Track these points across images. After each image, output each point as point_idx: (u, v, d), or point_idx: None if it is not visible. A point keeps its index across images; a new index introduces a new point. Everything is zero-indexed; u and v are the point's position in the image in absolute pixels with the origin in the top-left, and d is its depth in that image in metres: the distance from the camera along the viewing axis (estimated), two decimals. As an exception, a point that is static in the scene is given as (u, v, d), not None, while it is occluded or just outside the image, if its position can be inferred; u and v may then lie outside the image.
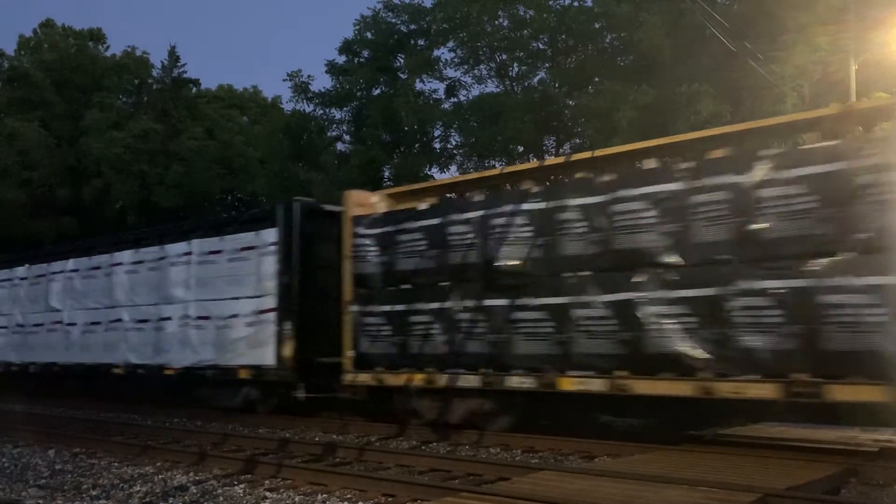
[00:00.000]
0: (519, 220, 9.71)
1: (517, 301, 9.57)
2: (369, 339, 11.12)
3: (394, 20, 28.46)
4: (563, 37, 24.72)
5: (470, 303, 10.02)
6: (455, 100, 27.40)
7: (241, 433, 11.31)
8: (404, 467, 8.37)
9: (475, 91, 26.96)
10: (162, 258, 14.65)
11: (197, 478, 7.92)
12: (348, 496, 6.98)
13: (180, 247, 14.33)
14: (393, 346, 10.83)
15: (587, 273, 9.04)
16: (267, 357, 12.46)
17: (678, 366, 8.25)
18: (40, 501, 7.23)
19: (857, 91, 16.63)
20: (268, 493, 7.13)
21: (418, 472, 8.05)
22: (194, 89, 37.09)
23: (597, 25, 23.96)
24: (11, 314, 18.59)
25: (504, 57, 26.04)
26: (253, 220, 13.68)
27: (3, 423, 12.42)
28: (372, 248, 11.22)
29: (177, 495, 7.25)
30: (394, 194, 12.12)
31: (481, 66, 26.64)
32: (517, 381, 9.50)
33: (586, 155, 10.74)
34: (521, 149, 25.11)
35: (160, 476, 8.11)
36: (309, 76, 29.75)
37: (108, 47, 38.35)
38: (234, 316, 13.04)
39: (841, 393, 7.33)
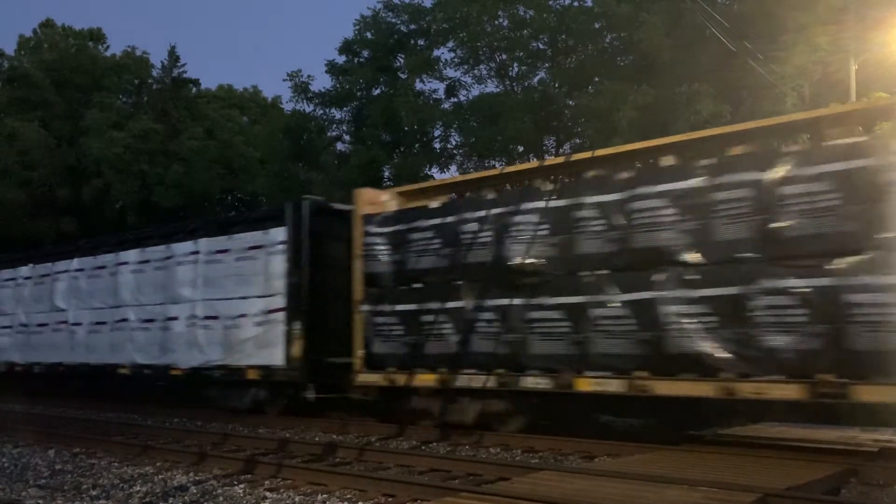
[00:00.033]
0: (535, 217, 9.56)
1: (533, 300, 9.42)
2: (380, 339, 11.01)
3: (394, 20, 28.43)
4: (563, 37, 24.69)
5: (484, 302, 9.85)
6: (455, 100, 27.41)
7: (241, 433, 11.31)
8: (404, 467, 8.36)
9: (475, 91, 26.98)
10: (168, 257, 14.57)
11: (197, 478, 7.93)
12: (348, 496, 6.98)
13: (187, 246, 14.25)
14: (404, 345, 10.71)
15: (605, 272, 8.92)
16: (276, 357, 12.36)
17: (699, 366, 8.13)
18: (40, 501, 7.23)
19: (857, 91, 16.64)
20: (268, 493, 7.13)
21: (418, 472, 8.05)
22: (194, 89, 37.04)
23: (597, 25, 23.93)
24: (15, 314, 18.52)
25: (504, 57, 26.00)
26: (261, 218, 13.55)
27: (3, 423, 12.41)
28: (383, 247, 11.09)
29: (177, 495, 7.24)
30: (404, 192, 11.95)
31: (481, 66, 26.62)
32: (532, 382, 9.35)
33: (610, 151, 10.33)
34: (521, 149, 25.09)
35: (160, 476, 8.11)
36: (309, 76, 29.72)
37: (108, 47, 38.36)
38: (243, 316, 12.95)
39: (868, 394, 7.20)
